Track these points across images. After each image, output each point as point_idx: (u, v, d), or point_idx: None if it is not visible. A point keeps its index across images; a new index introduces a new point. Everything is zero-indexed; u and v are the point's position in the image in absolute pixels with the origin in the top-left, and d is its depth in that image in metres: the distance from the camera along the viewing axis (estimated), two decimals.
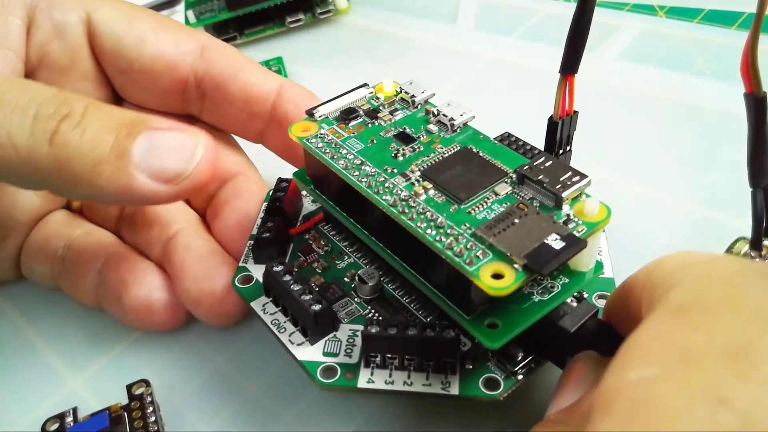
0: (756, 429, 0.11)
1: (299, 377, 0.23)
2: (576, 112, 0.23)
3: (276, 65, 0.41)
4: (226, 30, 0.45)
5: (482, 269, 0.17)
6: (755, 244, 0.21)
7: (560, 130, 0.23)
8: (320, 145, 0.22)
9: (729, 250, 0.22)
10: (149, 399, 0.22)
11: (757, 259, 0.21)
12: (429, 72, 0.38)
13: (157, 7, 0.51)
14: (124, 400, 0.22)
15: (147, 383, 0.22)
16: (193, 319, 0.26)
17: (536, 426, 0.17)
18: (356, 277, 0.22)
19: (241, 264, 0.24)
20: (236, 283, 0.23)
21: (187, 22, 0.44)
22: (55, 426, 0.21)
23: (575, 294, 0.21)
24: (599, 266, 0.20)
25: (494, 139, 0.24)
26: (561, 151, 0.24)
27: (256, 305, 0.22)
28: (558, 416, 0.17)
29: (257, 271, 0.24)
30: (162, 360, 0.25)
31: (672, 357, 0.12)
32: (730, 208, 0.26)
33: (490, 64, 0.38)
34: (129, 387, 0.22)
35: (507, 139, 0.25)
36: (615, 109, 0.33)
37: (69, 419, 0.21)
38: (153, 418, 0.21)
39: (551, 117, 0.23)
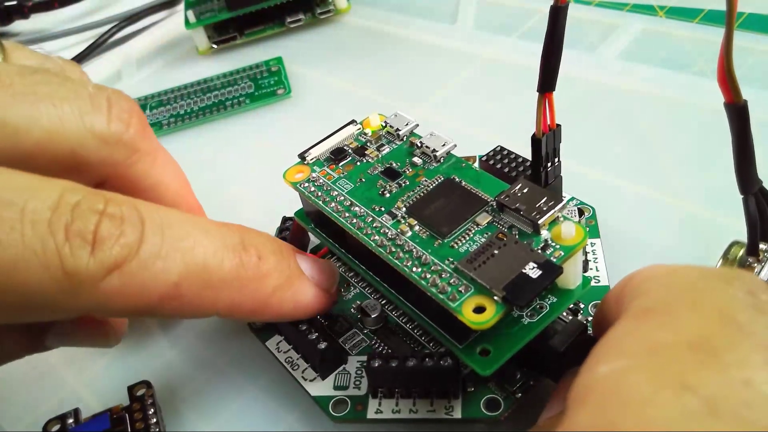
0: (719, 411, 0.12)
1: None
2: (559, 126, 0.24)
3: (276, 65, 0.42)
4: (226, 30, 0.45)
5: (464, 304, 0.18)
6: (752, 250, 0.21)
7: (545, 146, 0.24)
8: (312, 189, 0.24)
9: (725, 255, 0.22)
10: (150, 400, 0.22)
11: (756, 265, 0.21)
12: (429, 72, 0.38)
13: (157, 8, 0.51)
14: (126, 402, 0.22)
15: (148, 384, 0.22)
16: (192, 321, 0.26)
17: None
18: (360, 310, 0.24)
19: None
20: (251, 325, 0.25)
21: (187, 22, 0.44)
22: (57, 427, 0.21)
23: (571, 305, 0.22)
24: (586, 281, 0.21)
25: (487, 153, 0.26)
26: (549, 165, 0.24)
27: (270, 345, 0.24)
28: (546, 423, 0.18)
29: None
30: (163, 361, 0.25)
31: (640, 350, 0.13)
32: (730, 208, 0.26)
33: (490, 64, 0.38)
34: (130, 388, 0.22)
35: (499, 153, 0.26)
36: (615, 109, 0.33)
37: (70, 420, 0.21)
38: (154, 420, 0.21)
39: (534, 135, 0.23)
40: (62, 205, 0.16)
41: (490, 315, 0.18)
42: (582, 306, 0.22)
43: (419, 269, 0.20)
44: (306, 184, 0.24)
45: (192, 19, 0.44)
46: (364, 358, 0.22)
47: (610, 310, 0.18)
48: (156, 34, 0.50)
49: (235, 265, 0.19)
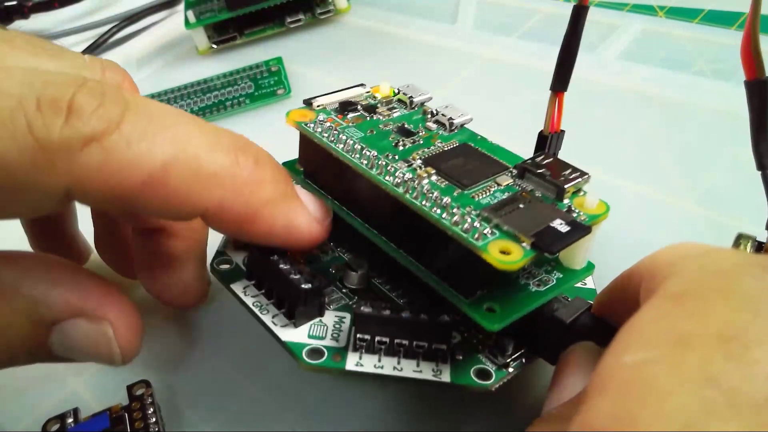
0: (740, 405, 0.12)
1: (300, 377, 0.23)
2: (563, 131, 0.24)
3: (276, 65, 0.41)
4: (226, 30, 0.45)
5: (491, 244, 0.17)
6: None
7: (549, 146, 0.23)
8: (319, 129, 0.22)
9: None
10: (150, 400, 0.22)
11: None
12: (429, 72, 0.38)
13: (157, 7, 0.51)
14: (125, 401, 0.22)
15: (148, 384, 0.22)
16: (193, 320, 0.26)
17: (536, 422, 0.17)
18: (346, 264, 0.22)
19: (219, 249, 0.23)
20: (214, 265, 0.22)
21: (187, 22, 0.44)
22: (56, 427, 0.21)
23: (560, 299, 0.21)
24: (591, 266, 0.20)
25: None
26: None
27: (236, 287, 0.21)
28: (558, 411, 0.17)
29: (237, 257, 0.23)
30: (162, 360, 0.25)
31: (666, 341, 0.13)
32: (729, 208, 0.26)
33: (490, 64, 0.38)
34: (129, 388, 0.22)
35: None
36: (615, 109, 0.33)
37: (70, 420, 0.21)
38: (154, 419, 0.21)
39: (542, 131, 0.23)
40: (35, 82, 0.16)
41: (518, 257, 0.17)
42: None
43: (439, 210, 0.18)
44: (311, 125, 0.22)
45: (192, 19, 0.44)
46: (344, 314, 0.20)
47: (632, 285, 0.17)
48: (156, 34, 0.50)
49: (230, 162, 0.18)
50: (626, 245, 0.25)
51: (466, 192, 0.19)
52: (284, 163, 0.24)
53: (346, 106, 0.23)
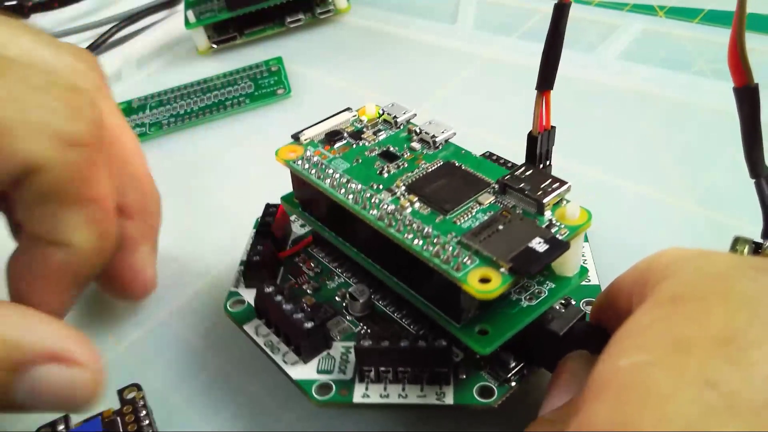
0: (739, 408, 0.11)
1: None
2: (553, 128, 0.24)
3: (276, 65, 0.42)
4: (226, 30, 0.45)
5: (470, 274, 0.18)
6: (767, 233, 0.21)
7: (539, 145, 0.23)
8: (306, 166, 0.23)
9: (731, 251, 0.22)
10: (141, 403, 0.22)
11: None
12: (429, 72, 0.38)
13: (157, 7, 0.51)
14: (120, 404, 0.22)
15: (138, 387, 0.22)
16: (192, 320, 0.26)
17: (530, 426, 0.17)
18: (347, 295, 0.23)
19: (231, 289, 0.24)
20: (228, 307, 0.24)
21: (187, 22, 0.44)
22: None
23: (562, 301, 0.21)
24: (584, 271, 0.21)
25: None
26: (541, 166, 0.24)
27: (248, 328, 0.23)
28: (551, 415, 0.17)
29: (248, 295, 0.24)
30: (162, 360, 0.25)
31: (664, 344, 0.13)
32: (729, 208, 0.26)
33: (489, 64, 0.38)
34: (120, 392, 0.22)
35: (489, 158, 0.26)
36: (615, 109, 0.33)
37: (61, 427, 0.21)
38: (147, 422, 0.21)
39: (530, 132, 0.23)
40: None
41: (497, 284, 0.17)
42: (573, 302, 0.22)
43: (421, 241, 0.19)
44: (300, 162, 0.23)
45: (192, 19, 0.44)
46: (350, 344, 0.21)
47: (623, 292, 0.17)
48: (156, 34, 0.50)
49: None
50: (626, 245, 0.25)
51: (448, 217, 0.20)
52: (283, 197, 0.25)
53: (332, 136, 0.24)
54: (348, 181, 0.22)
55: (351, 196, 0.21)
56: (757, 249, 0.21)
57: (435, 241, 0.19)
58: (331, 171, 0.22)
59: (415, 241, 0.19)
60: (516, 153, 0.26)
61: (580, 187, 0.28)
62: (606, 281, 0.19)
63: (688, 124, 0.31)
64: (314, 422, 0.22)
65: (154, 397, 0.23)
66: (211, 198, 0.33)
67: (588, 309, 0.22)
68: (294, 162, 0.23)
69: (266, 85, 0.40)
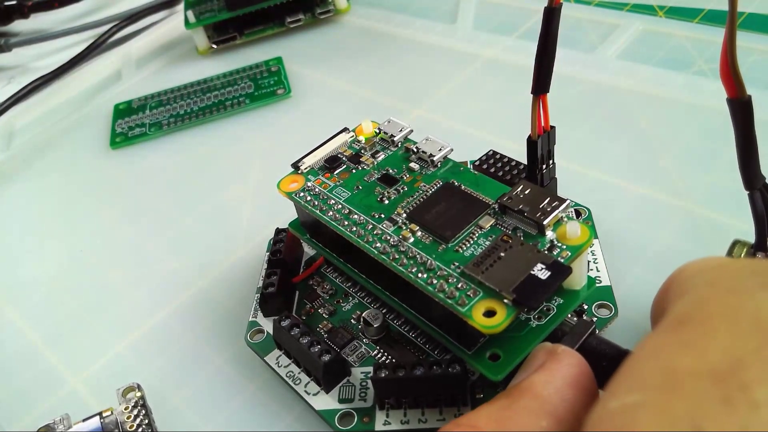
0: None
1: None
2: (553, 127, 0.24)
3: (276, 65, 0.41)
4: (226, 30, 0.45)
5: (474, 308, 0.18)
6: (760, 245, 0.21)
7: (540, 148, 0.23)
8: (308, 198, 0.23)
9: (729, 255, 0.22)
10: (141, 402, 0.22)
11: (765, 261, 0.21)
12: (429, 72, 0.38)
13: (157, 7, 0.51)
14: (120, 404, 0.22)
15: (138, 387, 0.22)
16: (192, 319, 0.26)
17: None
18: (362, 320, 0.23)
19: (251, 319, 0.25)
20: (248, 338, 0.24)
21: (187, 22, 0.44)
22: None
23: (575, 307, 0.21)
24: (591, 282, 0.21)
25: (479, 158, 0.25)
26: (544, 167, 0.24)
27: (270, 360, 0.23)
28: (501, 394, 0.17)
29: (267, 325, 0.24)
30: (162, 360, 0.25)
31: (656, 381, 0.12)
32: (730, 208, 0.26)
33: (489, 64, 0.38)
34: (120, 391, 0.22)
35: (492, 157, 0.26)
36: (615, 109, 0.33)
37: (60, 428, 0.21)
38: (146, 421, 0.21)
39: (529, 137, 0.23)
40: None
41: (502, 318, 0.17)
42: (586, 307, 0.22)
43: (425, 275, 0.19)
44: (302, 194, 0.23)
45: (192, 19, 0.44)
46: (369, 369, 0.22)
47: (656, 309, 0.16)
48: (156, 34, 0.50)
49: None
50: (626, 245, 0.25)
51: (450, 245, 0.20)
52: (291, 224, 0.26)
53: (331, 162, 0.24)
54: (350, 213, 0.22)
55: (354, 229, 0.21)
56: (755, 251, 0.21)
57: (438, 273, 0.19)
58: (332, 202, 0.22)
59: (419, 275, 0.19)
60: (516, 152, 0.26)
61: (581, 187, 0.28)
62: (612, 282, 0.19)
63: (688, 124, 0.31)
64: (314, 422, 0.22)
65: (154, 397, 0.23)
66: (211, 198, 0.33)
67: (602, 312, 0.22)
68: (296, 195, 0.23)
69: (266, 85, 0.40)
